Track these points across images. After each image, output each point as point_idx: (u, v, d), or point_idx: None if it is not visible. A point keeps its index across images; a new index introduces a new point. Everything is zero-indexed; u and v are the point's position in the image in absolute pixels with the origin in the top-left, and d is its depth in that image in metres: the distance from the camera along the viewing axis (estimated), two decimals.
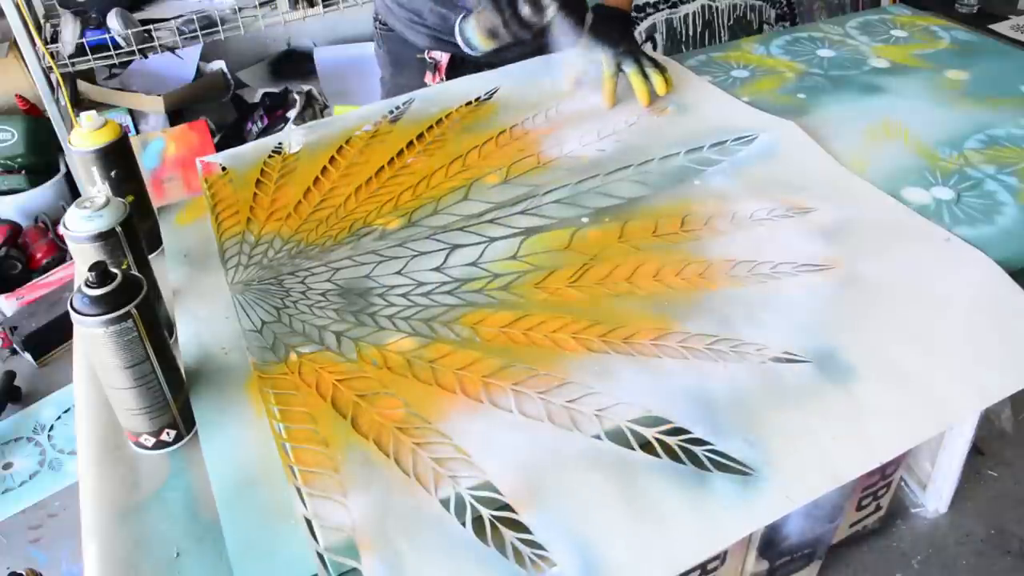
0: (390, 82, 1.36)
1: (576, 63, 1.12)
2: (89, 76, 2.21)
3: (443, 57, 1.23)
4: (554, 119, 1.10)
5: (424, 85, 1.25)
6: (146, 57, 2.02)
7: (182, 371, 0.72)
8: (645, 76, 1.10)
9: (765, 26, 2.42)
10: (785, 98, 1.14)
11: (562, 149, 1.03)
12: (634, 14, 2.27)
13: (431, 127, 1.09)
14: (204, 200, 0.99)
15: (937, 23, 1.37)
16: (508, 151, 1.03)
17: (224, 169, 1.04)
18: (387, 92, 1.40)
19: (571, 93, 1.13)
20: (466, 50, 1.09)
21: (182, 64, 2.27)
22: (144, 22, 1.98)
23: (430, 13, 1.21)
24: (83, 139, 0.83)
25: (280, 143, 1.08)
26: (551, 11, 1.01)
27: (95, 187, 0.84)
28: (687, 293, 0.79)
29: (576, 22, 1.09)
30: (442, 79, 1.23)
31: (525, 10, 0.99)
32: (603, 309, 0.78)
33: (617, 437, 0.65)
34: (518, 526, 0.59)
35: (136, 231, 0.74)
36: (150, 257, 0.83)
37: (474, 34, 1.05)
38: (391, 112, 1.14)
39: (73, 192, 2.22)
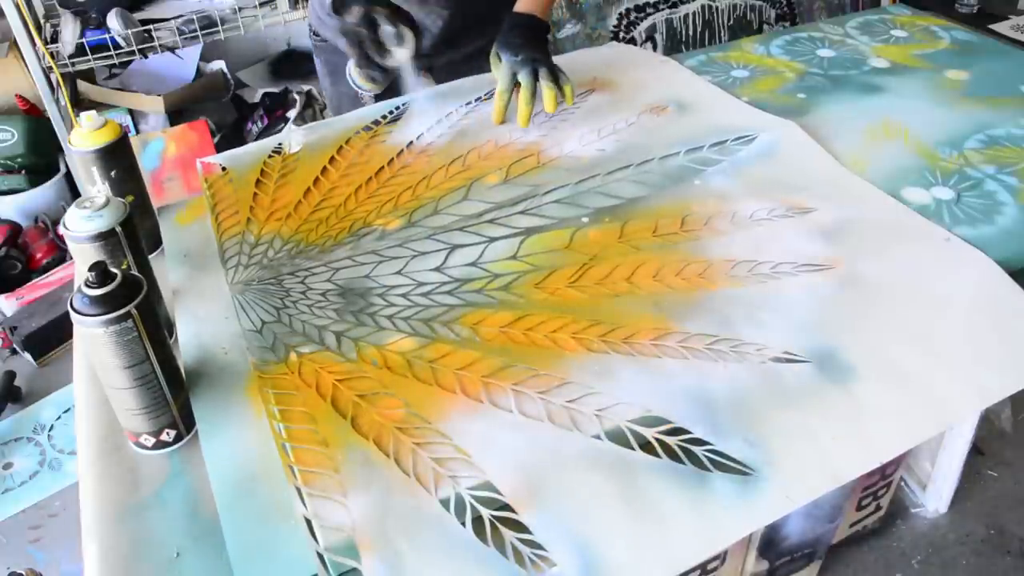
0: (330, 91, 1.36)
1: (498, 79, 1.07)
2: (89, 76, 2.21)
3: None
4: (554, 119, 1.10)
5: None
6: (146, 57, 2.02)
7: (182, 371, 0.72)
8: (535, 91, 1.03)
9: (765, 26, 2.42)
10: (785, 98, 1.14)
11: (562, 149, 1.03)
12: (634, 14, 2.27)
13: (431, 127, 1.09)
14: (204, 200, 0.99)
15: (937, 23, 1.37)
16: (508, 151, 1.03)
17: (224, 169, 1.05)
18: (329, 102, 1.41)
19: (501, 124, 1.08)
20: (360, 93, 1.10)
21: (182, 64, 2.27)
22: (144, 22, 1.99)
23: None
24: (83, 139, 0.83)
25: (280, 143, 1.08)
26: (404, 53, 1.01)
27: (95, 187, 0.84)
28: (687, 293, 0.79)
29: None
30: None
31: (379, 59, 1.00)
32: (603, 309, 0.78)
33: (617, 437, 0.65)
34: (518, 526, 0.59)
35: (136, 231, 0.74)
36: (150, 257, 0.83)
37: (358, 79, 1.05)
38: (391, 112, 1.14)
39: (73, 192, 2.22)
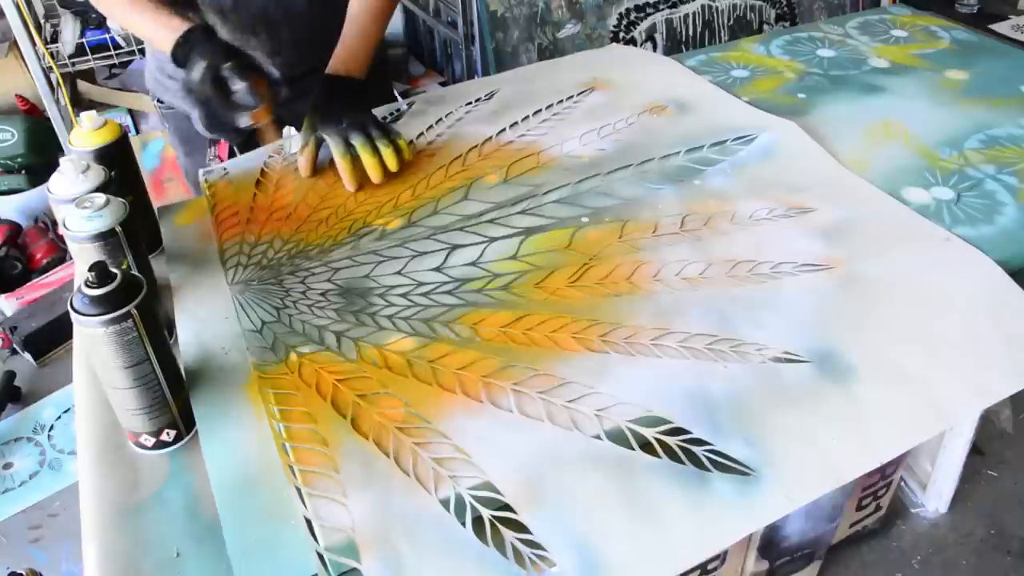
0: (185, 162, 1.27)
1: (299, 143, 1.01)
2: (89, 76, 2.21)
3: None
4: (554, 119, 1.10)
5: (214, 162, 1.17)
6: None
7: (182, 371, 0.72)
8: (375, 149, 0.97)
9: (765, 26, 2.42)
10: (785, 98, 1.14)
11: (562, 149, 1.03)
12: (634, 14, 2.27)
13: (431, 127, 1.09)
14: (204, 200, 0.99)
15: (937, 23, 1.37)
16: (508, 151, 1.03)
17: (224, 169, 1.05)
18: (186, 175, 1.31)
19: (309, 177, 1.01)
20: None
21: None
22: None
23: None
24: (83, 139, 0.83)
25: (280, 144, 1.08)
26: (255, 115, 0.90)
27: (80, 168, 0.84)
28: (687, 293, 0.79)
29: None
30: (232, 154, 1.14)
31: (230, 120, 0.89)
32: (603, 309, 0.78)
33: (617, 437, 0.65)
34: (518, 526, 0.59)
35: (136, 231, 0.74)
36: (150, 257, 0.83)
37: (202, 128, 0.92)
38: (391, 114, 1.14)
39: None
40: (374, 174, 0.98)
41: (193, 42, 0.90)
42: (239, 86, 0.87)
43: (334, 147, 0.98)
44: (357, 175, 0.98)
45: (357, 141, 0.98)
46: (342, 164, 0.97)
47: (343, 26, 1.07)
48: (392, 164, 0.98)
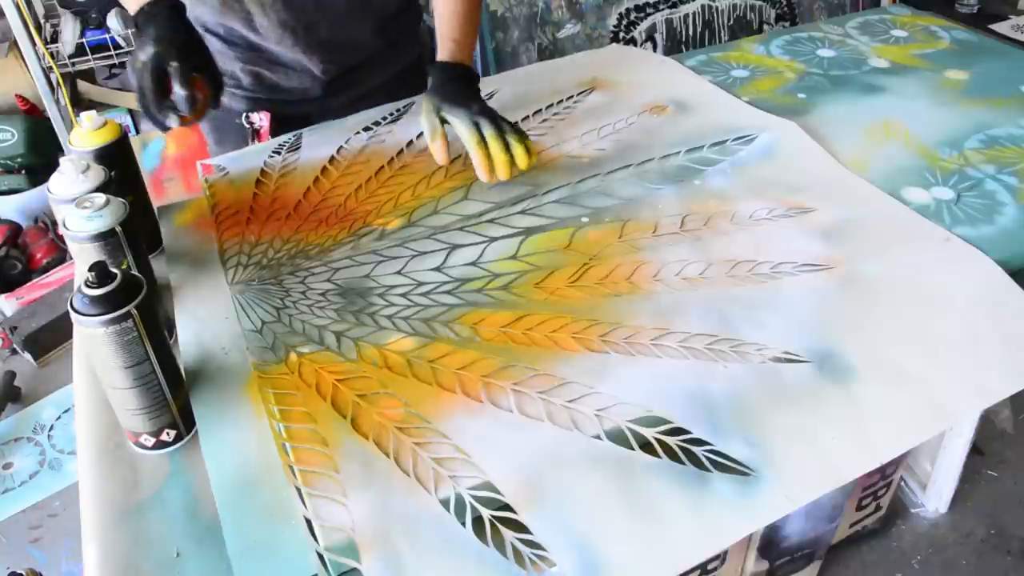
0: (215, 150, 1.22)
1: (429, 130, 0.97)
2: (89, 76, 2.22)
3: (263, 119, 1.13)
4: (553, 119, 1.10)
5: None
6: None
7: (182, 371, 0.72)
8: (506, 144, 0.93)
9: (765, 26, 2.42)
10: (785, 98, 1.14)
11: (562, 149, 1.03)
12: (634, 14, 2.27)
13: None
14: (204, 200, 0.99)
15: (937, 23, 1.37)
16: None
17: (224, 170, 1.05)
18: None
19: (445, 162, 0.98)
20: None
21: None
22: None
23: (243, 73, 1.13)
24: (83, 139, 0.82)
25: (280, 144, 1.08)
26: (185, 118, 0.85)
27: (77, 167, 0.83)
28: (687, 293, 0.79)
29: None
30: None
31: (159, 116, 0.84)
32: (603, 309, 0.78)
33: (617, 437, 0.65)
34: (518, 526, 0.59)
35: (136, 231, 0.74)
36: (150, 257, 0.83)
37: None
38: (391, 114, 1.14)
39: None
40: (503, 171, 0.93)
41: (154, 16, 0.84)
42: (177, 92, 0.82)
43: (467, 134, 0.93)
44: (491, 166, 0.93)
45: (488, 132, 0.93)
46: (478, 153, 0.93)
47: (439, 22, 1.04)
48: (523, 162, 0.93)
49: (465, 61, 1.01)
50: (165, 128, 0.85)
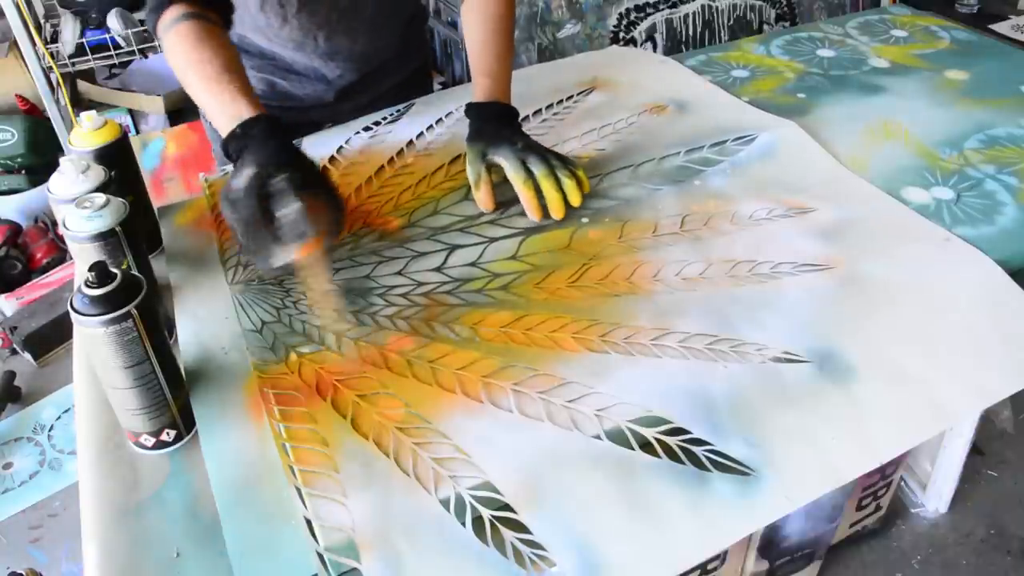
0: (223, 156, 1.19)
1: (473, 177, 0.92)
2: (89, 76, 2.21)
3: None
4: (553, 119, 1.10)
5: None
6: (146, 57, 2.02)
7: (182, 371, 0.72)
8: (557, 179, 0.89)
9: (765, 26, 2.42)
10: (785, 98, 1.14)
11: (562, 149, 1.03)
12: (634, 14, 2.27)
13: (431, 126, 1.09)
14: (204, 200, 0.99)
15: (937, 23, 1.37)
16: None
17: (225, 171, 1.05)
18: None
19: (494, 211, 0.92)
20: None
21: None
22: (144, 22, 1.98)
23: (256, 81, 1.11)
24: (83, 139, 0.82)
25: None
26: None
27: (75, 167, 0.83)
28: (687, 293, 0.79)
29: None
30: None
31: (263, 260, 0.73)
32: (603, 309, 0.78)
33: (617, 437, 0.65)
34: (518, 526, 0.59)
35: (136, 231, 0.74)
36: (150, 257, 0.83)
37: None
38: (392, 115, 1.14)
39: None
40: (556, 209, 0.88)
41: (249, 138, 0.75)
42: (287, 209, 0.69)
43: (513, 172, 0.89)
44: (541, 206, 0.89)
45: (538, 170, 0.89)
46: (525, 193, 0.88)
47: (472, 54, 0.98)
48: (575, 199, 0.89)
49: (501, 98, 0.95)
50: (274, 266, 0.73)
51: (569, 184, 0.89)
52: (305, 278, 0.81)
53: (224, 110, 0.78)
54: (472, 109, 0.96)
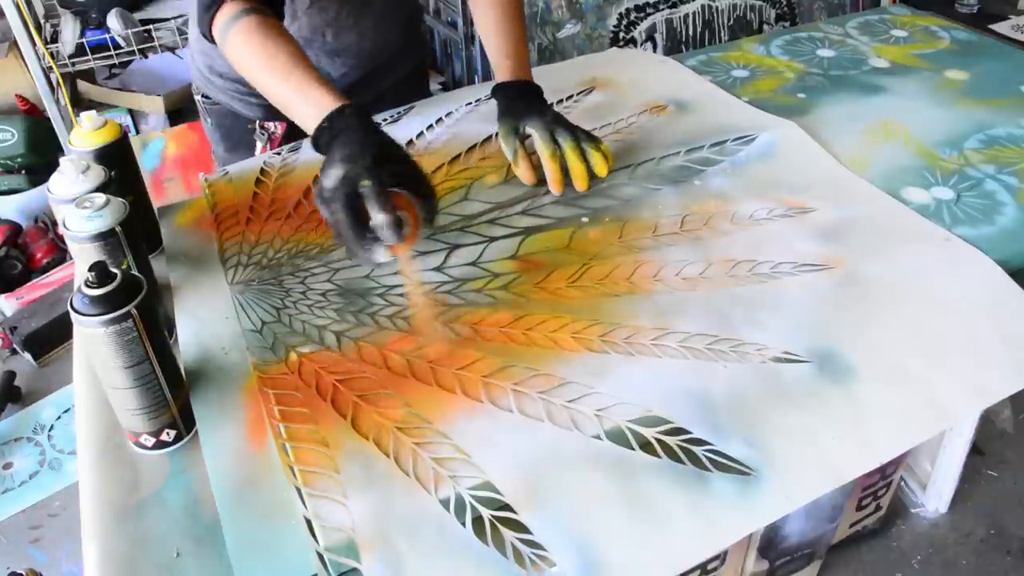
0: (225, 157, 1.19)
1: (511, 153, 0.95)
2: (89, 76, 2.22)
3: (278, 127, 1.12)
4: None
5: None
6: (146, 57, 2.02)
7: (182, 371, 0.72)
8: (583, 152, 0.92)
9: (765, 26, 2.42)
10: (785, 98, 1.14)
11: None
12: (634, 14, 2.27)
13: (431, 126, 1.09)
14: (204, 200, 0.99)
15: (937, 23, 1.37)
16: None
17: (224, 169, 1.05)
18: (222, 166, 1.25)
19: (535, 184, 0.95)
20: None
21: (182, 64, 2.27)
22: (144, 22, 1.99)
23: None
24: (83, 139, 0.82)
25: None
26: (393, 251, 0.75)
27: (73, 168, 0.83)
28: (687, 293, 0.79)
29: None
30: (279, 150, 1.08)
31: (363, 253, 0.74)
32: (603, 309, 0.78)
33: (617, 437, 0.65)
34: (518, 526, 0.59)
35: (136, 231, 0.74)
36: (150, 257, 0.83)
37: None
38: (392, 115, 1.14)
39: None
40: (580, 182, 0.92)
41: (335, 131, 0.75)
42: (380, 216, 0.71)
43: (542, 144, 0.92)
44: (564, 180, 0.92)
45: (565, 142, 0.92)
46: (551, 166, 0.91)
47: (487, 40, 1.02)
48: (601, 170, 0.92)
49: (525, 76, 0.99)
50: (375, 264, 0.75)
51: (595, 156, 0.92)
52: (402, 268, 0.84)
53: (307, 103, 0.79)
54: (499, 89, 0.99)
